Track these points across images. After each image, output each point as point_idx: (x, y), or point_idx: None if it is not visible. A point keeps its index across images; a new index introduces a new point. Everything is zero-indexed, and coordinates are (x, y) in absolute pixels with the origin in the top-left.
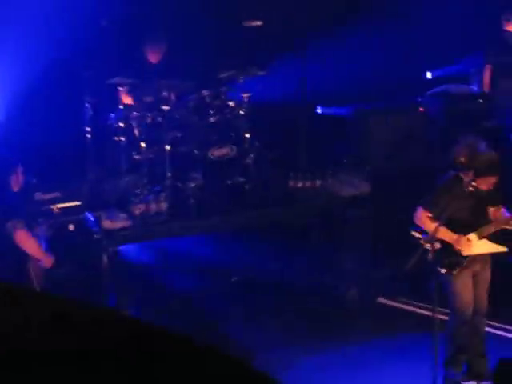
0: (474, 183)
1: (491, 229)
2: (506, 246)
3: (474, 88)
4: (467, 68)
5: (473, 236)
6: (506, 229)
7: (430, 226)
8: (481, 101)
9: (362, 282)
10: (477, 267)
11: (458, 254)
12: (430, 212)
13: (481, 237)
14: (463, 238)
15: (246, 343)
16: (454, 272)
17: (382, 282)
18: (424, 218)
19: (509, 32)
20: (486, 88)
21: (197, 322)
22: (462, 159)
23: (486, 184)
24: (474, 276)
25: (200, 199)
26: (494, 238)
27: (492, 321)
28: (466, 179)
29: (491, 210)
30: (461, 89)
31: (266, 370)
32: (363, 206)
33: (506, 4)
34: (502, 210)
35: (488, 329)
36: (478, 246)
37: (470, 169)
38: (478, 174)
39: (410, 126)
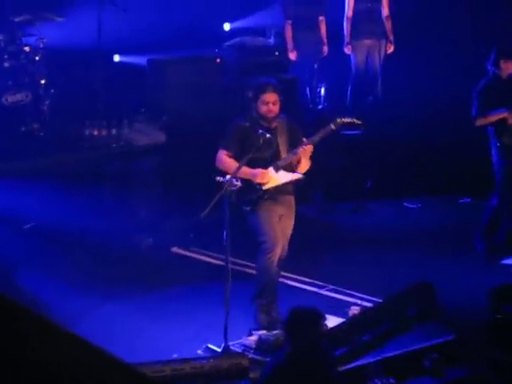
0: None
1: (286, 160)
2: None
3: (271, 41)
4: (265, 21)
5: (270, 169)
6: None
7: (231, 164)
8: (277, 53)
9: (156, 231)
10: (281, 210)
11: (258, 188)
12: (229, 150)
13: (278, 169)
14: (262, 172)
15: (40, 294)
16: (257, 206)
17: (175, 231)
18: (224, 158)
19: None
20: (289, 43)
21: None
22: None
23: None
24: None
25: None
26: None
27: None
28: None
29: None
30: (256, 41)
31: (61, 319)
32: (158, 155)
33: None
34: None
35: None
36: (276, 177)
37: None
38: None
39: (207, 76)
